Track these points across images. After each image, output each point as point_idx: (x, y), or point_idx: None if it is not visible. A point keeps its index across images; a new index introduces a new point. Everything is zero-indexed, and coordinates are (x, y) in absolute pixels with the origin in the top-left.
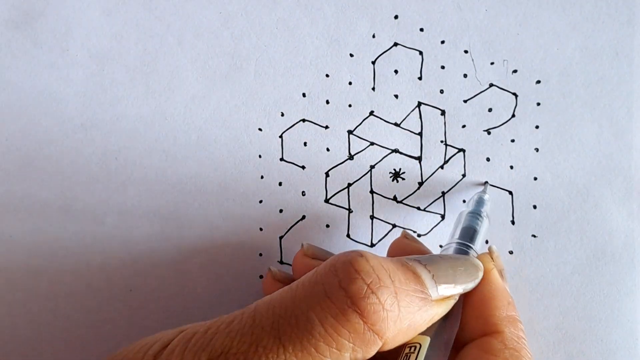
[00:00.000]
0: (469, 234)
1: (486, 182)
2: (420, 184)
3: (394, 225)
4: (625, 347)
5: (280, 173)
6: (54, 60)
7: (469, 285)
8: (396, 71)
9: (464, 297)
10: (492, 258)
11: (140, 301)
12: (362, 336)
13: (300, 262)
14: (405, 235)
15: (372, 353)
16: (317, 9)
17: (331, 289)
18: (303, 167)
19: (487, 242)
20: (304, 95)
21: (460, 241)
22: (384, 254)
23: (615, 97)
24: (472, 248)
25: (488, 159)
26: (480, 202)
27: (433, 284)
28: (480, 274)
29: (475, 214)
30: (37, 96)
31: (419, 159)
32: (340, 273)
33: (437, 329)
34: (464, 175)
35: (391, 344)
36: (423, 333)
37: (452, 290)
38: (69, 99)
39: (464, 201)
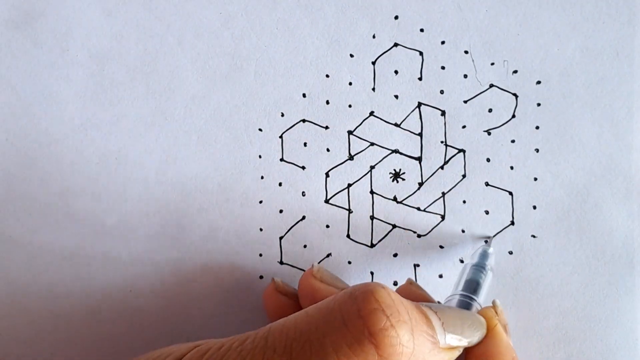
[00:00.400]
0: (472, 287)
1: (490, 237)
2: (420, 184)
3: (394, 226)
4: (625, 347)
5: (280, 173)
6: (54, 60)
7: (474, 340)
8: (396, 71)
9: (468, 353)
10: (496, 312)
11: (140, 301)
12: None
13: (307, 283)
14: (410, 282)
15: None
16: (317, 9)
17: (349, 317)
18: (303, 168)
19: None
20: (304, 95)
21: (464, 293)
22: (385, 255)
23: (615, 98)
24: (475, 301)
25: (488, 160)
26: (484, 255)
27: (442, 331)
28: (484, 331)
29: (479, 267)
30: (37, 96)
31: (419, 159)
32: (361, 302)
33: None
34: (464, 176)
35: None
36: None
37: (458, 341)
38: (69, 99)
39: (464, 201)
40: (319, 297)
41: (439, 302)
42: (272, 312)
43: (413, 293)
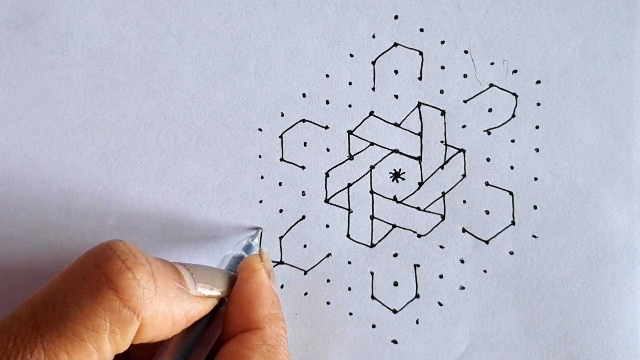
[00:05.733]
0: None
1: (260, 229)
2: (420, 184)
3: (394, 226)
4: (625, 348)
5: (280, 173)
6: (54, 60)
7: (226, 290)
8: (396, 71)
9: (231, 300)
10: (261, 259)
11: None
12: (118, 314)
13: None
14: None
15: (131, 334)
16: (317, 9)
17: (87, 270)
18: (303, 167)
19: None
20: (304, 95)
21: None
22: (384, 255)
23: (615, 97)
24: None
25: (488, 159)
26: (248, 248)
27: (192, 281)
28: (235, 283)
29: (240, 258)
30: (37, 96)
31: (419, 159)
32: (97, 254)
33: (198, 328)
34: (464, 176)
35: (149, 330)
36: (185, 331)
37: (210, 291)
38: (69, 99)
39: (464, 201)
40: None
41: None
42: None
43: None
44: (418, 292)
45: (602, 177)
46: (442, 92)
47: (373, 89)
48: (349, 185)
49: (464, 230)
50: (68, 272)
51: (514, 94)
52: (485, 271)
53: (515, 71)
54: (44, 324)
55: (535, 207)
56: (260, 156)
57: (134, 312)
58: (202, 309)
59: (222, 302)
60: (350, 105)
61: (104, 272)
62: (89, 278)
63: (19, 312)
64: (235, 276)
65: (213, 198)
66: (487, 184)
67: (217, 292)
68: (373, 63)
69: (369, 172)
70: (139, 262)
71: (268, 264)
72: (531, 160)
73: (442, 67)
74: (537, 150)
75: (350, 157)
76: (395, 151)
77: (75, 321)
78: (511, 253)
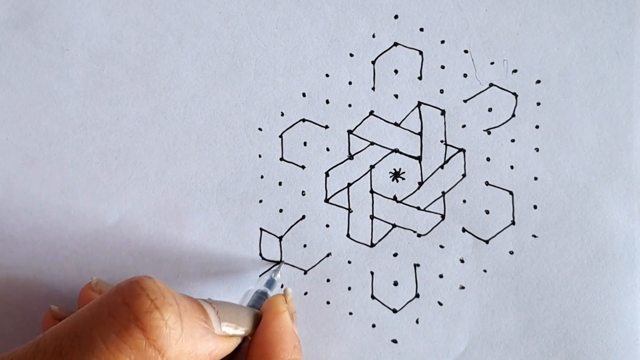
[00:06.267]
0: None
1: (282, 262)
2: (420, 183)
3: (394, 225)
4: (625, 348)
5: (280, 173)
6: (54, 60)
7: (250, 329)
8: (396, 71)
9: (253, 340)
10: (285, 300)
11: None
12: (143, 353)
13: (86, 296)
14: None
15: None
16: (317, 9)
17: (115, 307)
18: (303, 167)
19: (282, 286)
20: (304, 95)
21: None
22: (384, 255)
23: (615, 97)
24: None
25: (488, 159)
26: (271, 283)
27: (217, 320)
28: (260, 322)
29: (264, 294)
30: (37, 96)
31: (419, 158)
32: (126, 291)
33: None
34: (464, 175)
35: None
36: None
37: (234, 330)
38: (69, 99)
39: (464, 201)
40: None
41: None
42: None
43: None
44: (418, 291)
45: (602, 177)
46: (442, 91)
47: (373, 88)
48: (349, 184)
49: (464, 230)
50: (96, 306)
51: (514, 94)
52: (485, 271)
53: (515, 71)
54: (69, 356)
55: (535, 207)
56: (260, 156)
57: (159, 352)
58: (225, 348)
59: (244, 339)
60: (350, 105)
61: (132, 311)
62: (116, 315)
63: (43, 342)
64: (259, 314)
65: (213, 198)
66: (487, 183)
67: (241, 331)
68: (373, 63)
69: (369, 172)
70: (167, 302)
71: (292, 305)
72: (531, 160)
73: (442, 67)
74: (537, 150)
75: (350, 157)
76: (395, 151)
77: (100, 357)
78: (511, 253)
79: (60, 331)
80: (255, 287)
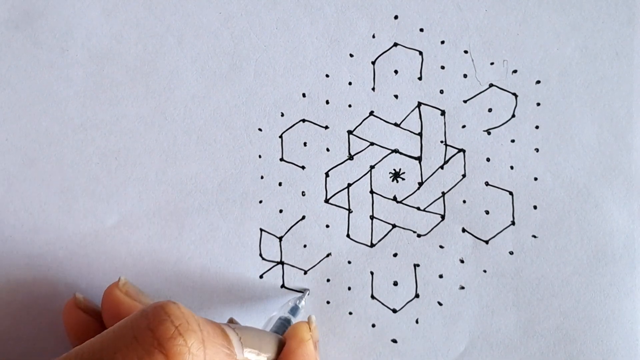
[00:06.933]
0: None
1: (307, 290)
2: (420, 184)
3: (394, 226)
4: (625, 348)
5: (280, 173)
6: (54, 60)
7: (272, 355)
8: (396, 71)
9: None
10: (310, 328)
11: None
12: None
13: (111, 295)
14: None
15: None
16: (317, 9)
17: (140, 331)
18: (303, 167)
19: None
20: (303, 95)
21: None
22: (384, 255)
23: (615, 97)
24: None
25: (488, 159)
26: (295, 310)
27: (240, 345)
28: (283, 348)
29: (286, 321)
30: (37, 96)
31: (419, 159)
32: (150, 316)
33: None
34: (464, 176)
35: None
36: None
37: (256, 356)
38: (69, 99)
39: (464, 201)
40: (122, 311)
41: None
42: (71, 330)
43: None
44: (418, 291)
45: (602, 177)
46: (442, 92)
47: (373, 89)
48: (349, 185)
49: (463, 230)
50: (120, 330)
51: (514, 94)
52: (485, 271)
53: (515, 71)
54: None
55: (535, 207)
56: (260, 156)
57: None
58: None
59: None
60: (350, 105)
61: (156, 336)
62: (140, 339)
63: None
64: (282, 341)
65: (213, 198)
66: (487, 184)
67: (263, 358)
68: (373, 63)
69: (369, 172)
70: (191, 329)
71: (316, 333)
72: (531, 160)
73: (442, 67)
74: (537, 150)
75: (350, 157)
76: (395, 151)
77: None
78: (511, 253)
79: (84, 352)
80: (278, 314)
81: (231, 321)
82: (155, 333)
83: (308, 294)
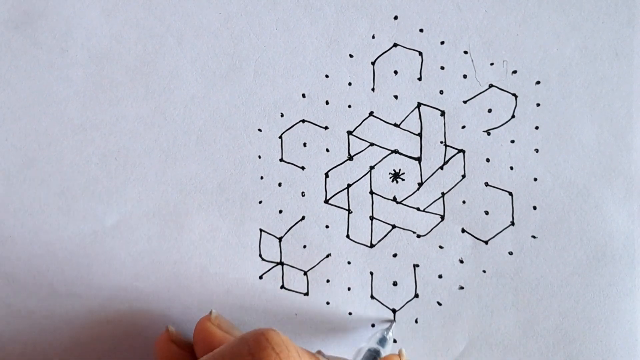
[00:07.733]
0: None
1: (393, 321)
2: (420, 184)
3: (394, 226)
4: (625, 348)
5: (280, 173)
6: (54, 60)
7: None
8: (396, 72)
9: None
10: None
11: (141, 301)
12: None
13: (203, 328)
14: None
15: None
16: (317, 9)
17: (241, 357)
18: (303, 168)
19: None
20: (303, 95)
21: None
22: (384, 255)
23: (615, 98)
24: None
25: (488, 160)
26: (382, 341)
27: None
28: None
29: (375, 352)
30: (37, 96)
31: (419, 159)
32: (252, 342)
33: None
34: (463, 176)
35: None
36: None
37: None
38: (69, 100)
39: (464, 202)
40: (214, 342)
41: None
42: None
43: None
44: (417, 291)
45: (602, 177)
46: (441, 92)
47: (373, 89)
48: (349, 185)
49: (463, 231)
50: (220, 357)
51: (514, 95)
52: (484, 271)
53: (515, 71)
54: None
55: (534, 208)
56: (259, 156)
57: None
58: None
59: None
60: (350, 106)
61: None
62: None
63: None
64: None
65: (213, 198)
66: (486, 184)
67: None
68: (373, 63)
69: (369, 173)
70: (291, 356)
71: None
72: (531, 160)
73: (442, 68)
74: (536, 150)
75: (350, 158)
76: (395, 152)
77: None
78: (510, 253)
79: None
80: (367, 345)
81: (319, 353)
82: (256, 359)
83: (395, 324)
